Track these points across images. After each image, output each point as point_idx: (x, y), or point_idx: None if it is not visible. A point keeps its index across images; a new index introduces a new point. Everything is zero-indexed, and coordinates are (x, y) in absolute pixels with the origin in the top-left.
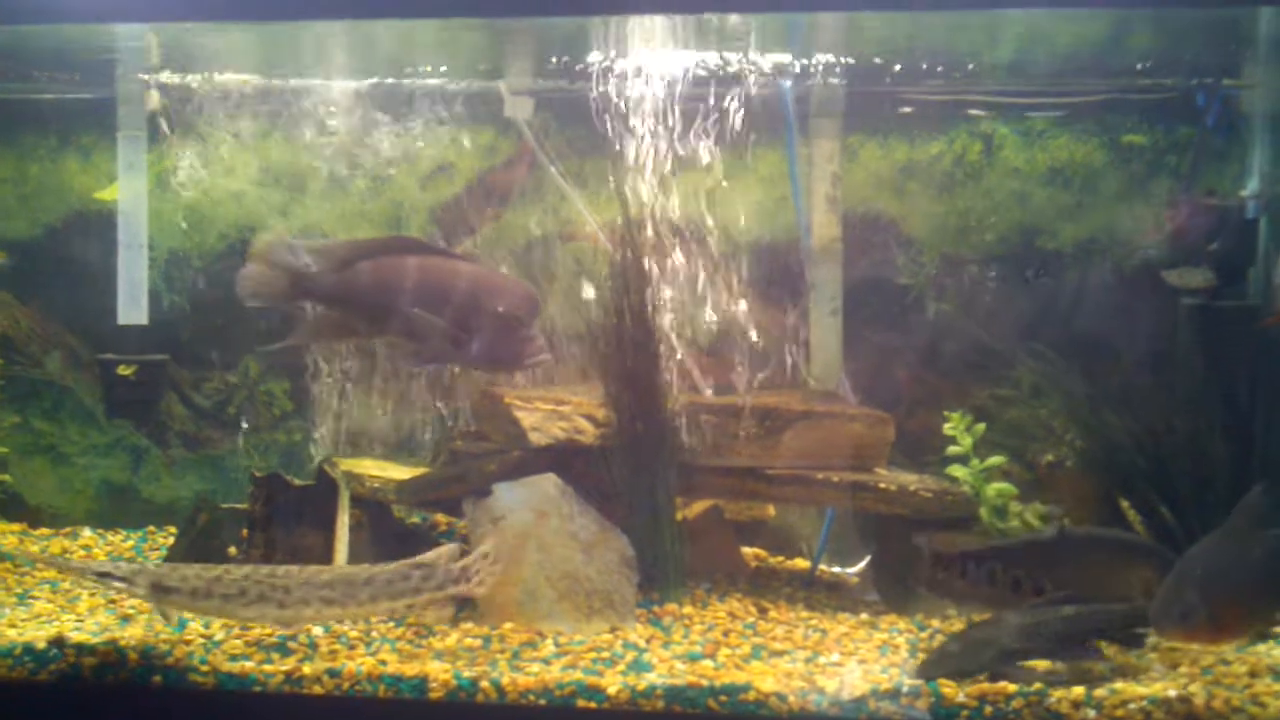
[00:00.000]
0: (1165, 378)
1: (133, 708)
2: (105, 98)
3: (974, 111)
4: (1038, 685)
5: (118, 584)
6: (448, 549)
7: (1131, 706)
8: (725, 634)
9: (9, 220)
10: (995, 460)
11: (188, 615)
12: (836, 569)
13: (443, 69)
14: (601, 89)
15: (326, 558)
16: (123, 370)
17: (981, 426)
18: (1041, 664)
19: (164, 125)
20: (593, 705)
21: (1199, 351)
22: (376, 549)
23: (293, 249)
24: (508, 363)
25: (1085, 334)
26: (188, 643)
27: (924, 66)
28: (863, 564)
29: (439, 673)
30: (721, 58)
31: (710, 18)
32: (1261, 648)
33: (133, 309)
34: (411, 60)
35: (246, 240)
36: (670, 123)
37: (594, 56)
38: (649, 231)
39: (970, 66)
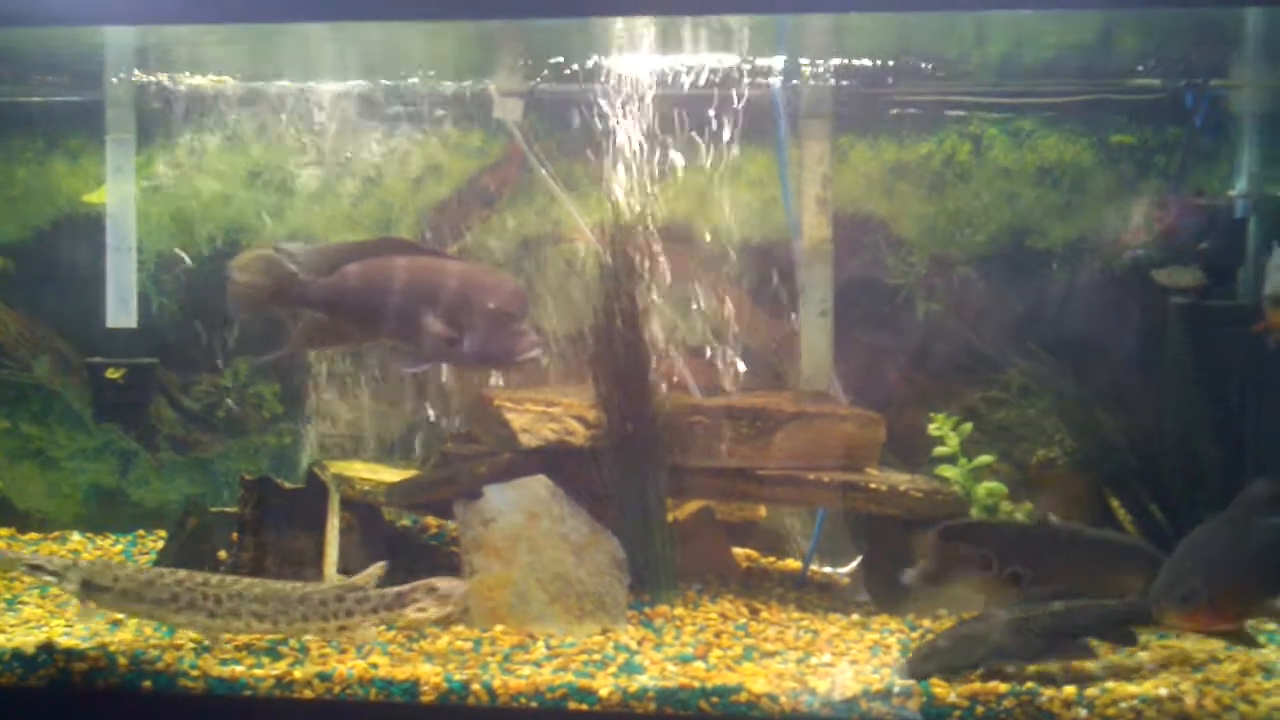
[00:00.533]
0: (1155, 377)
1: (123, 713)
2: (93, 100)
3: (963, 112)
4: (1029, 684)
5: (49, 578)
6: (374, 569)
7: (1123, 705)
8: (717, 635)
9: None
10: (984, 459)
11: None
12: (828, 569)
13: (431, 71)
14: (591, 90)
15: (317, 561)
16: (111, 374)
17: (968, 426)
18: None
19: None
20: (584, 708)
21: (1189, 351)
22: (367, 552)
23: (273, 260)
24: (500, 359)
25: (1075, 334)
26: (178, 647)
27: (913, 67)
28: (854, 564)
29: (430, 676)
30: (720, 62)
31: (700, 19)
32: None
33: (121, 312)
34: (401, 63)
35: (236, 243)
36: (660, 124)
37: (584, 58)
38: (638, 232)
39: (959, 67)
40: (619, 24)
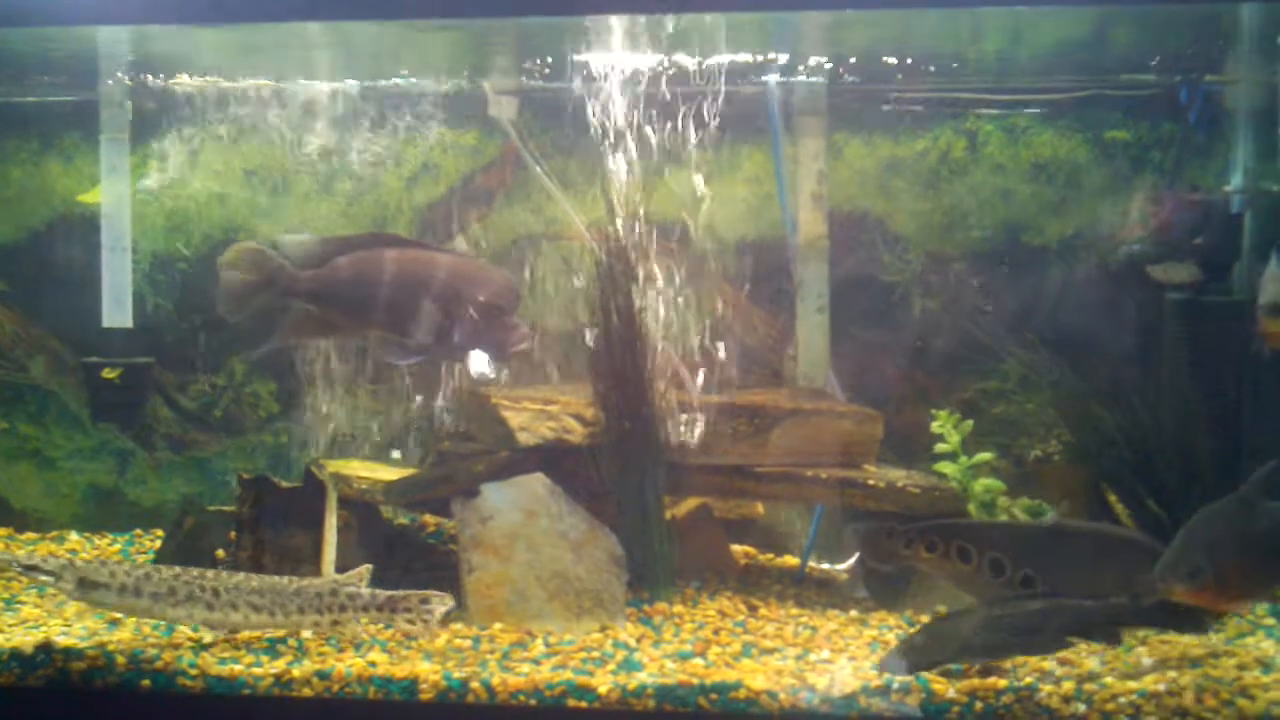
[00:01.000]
0: (1151, 372)
1: (122, 712)
2: (88, 101)
3: (958, 108)
4: (1028, 680)
5: (44, 578)
6: (362, 570)
7: (1121, 700)
8: (715, 632)
9: None
10: (983, 456)
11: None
12: (826, 566)
13: (427, 70)
14: (585, 88)
15: (315, 559)
16: (108, 373)
17: (969, 424)
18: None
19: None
20: (583, 705)
21: (1184, 345)
22: (364, 550)
23: (263, 254)
24: (492, 352)
25: (1071, 329)
26: (176, 646)
27: (909, 64)
28: (852, 561)
29: (429, 674)
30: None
31: (697, 15)
32: (1250, 640)
33: (117, 312)
34: (395, 61)
35: (231, 242)
36: (655, 122)
37: (577, 56)
38: (635, 230)
39: (954, 64)
40: (613, 21)
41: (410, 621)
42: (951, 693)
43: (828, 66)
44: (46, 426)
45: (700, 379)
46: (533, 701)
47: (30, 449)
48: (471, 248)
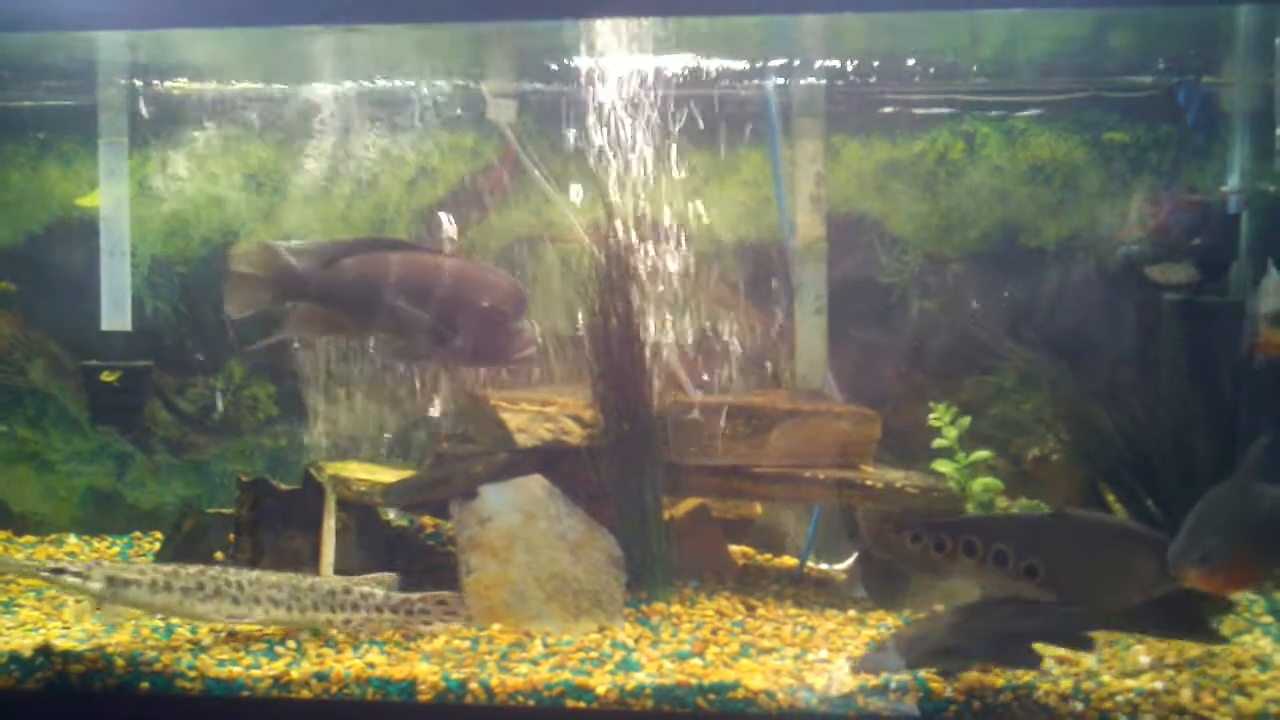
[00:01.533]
0: (1149, 372)
1: (121, 714)
2: (86, 104)
3: (956, 110)
4: (1027, 678)
5: (72, 580)
6: (386, 577)
7: (1119, 699)
8: (714, 632)
9: None
10: (980, 455)
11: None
12: (824, 566)
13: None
14: (584, 91)
15: (314, 561)
16: (106, 377)
17: (967, 420)
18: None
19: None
20: (582, 705)
21: (1182, 346)
22: (364, 552)
23: (272, 252)
24: (495, 357)
25: (1068, 330)
26: (175, 648)
27: (906, 66)
28: (850, 561)
29: (427, 675)
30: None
31: (695, 19)
32: (1248, 638)
33: (116, 315)
34: (394, 64)
35: (231, 243)
36: (654, 124)
37: (575, 59)
38: (633, 232)
39: (952, 66)
40: (609, 24)
41: (426, 623)
42: (949, 691)
43: (825, 68)
44: (45, 429)
45: (698, 380)
46: (531, 702)
47: (29, 452)
48: (472, 251)
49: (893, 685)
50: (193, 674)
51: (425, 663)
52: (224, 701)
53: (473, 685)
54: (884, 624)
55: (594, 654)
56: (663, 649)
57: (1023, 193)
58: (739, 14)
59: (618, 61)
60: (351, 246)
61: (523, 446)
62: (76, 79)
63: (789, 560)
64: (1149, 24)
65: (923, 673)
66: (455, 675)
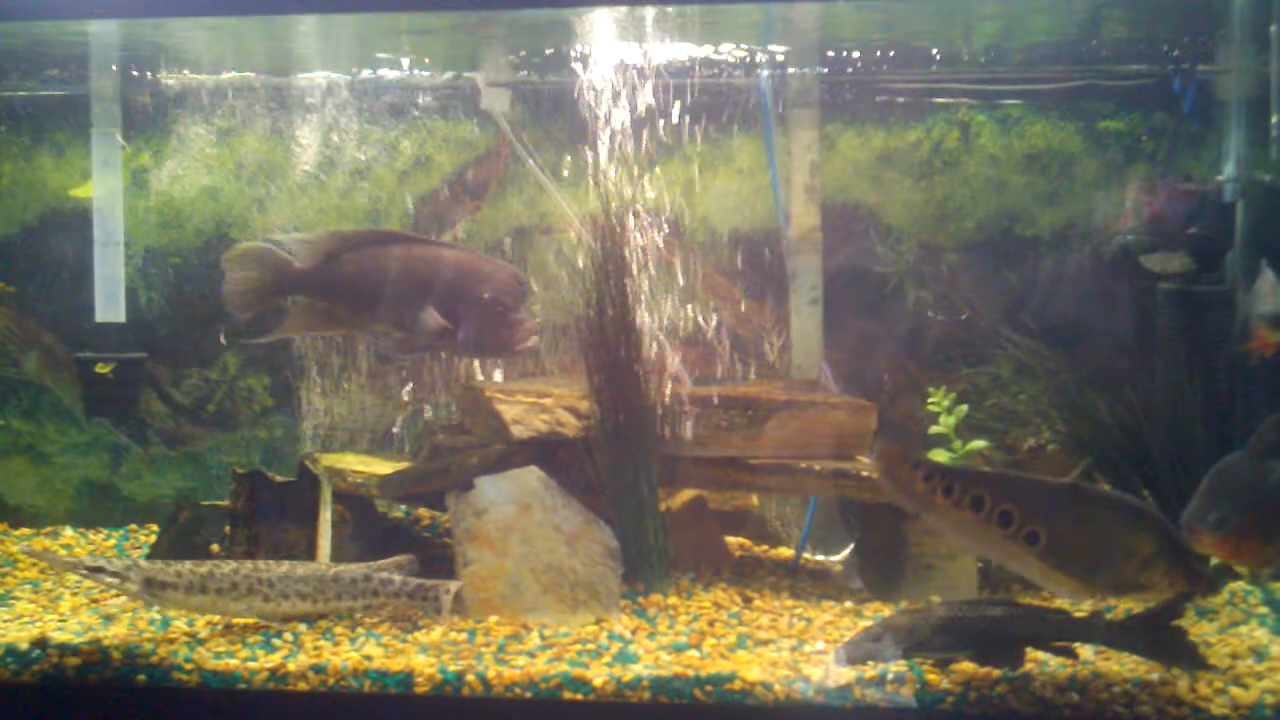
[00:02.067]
0: (1145, 361)
1: (117, 707)
2: (79, 94)
3: (950, 99)
4: (1022, 670)
5: (110, 580)
6: (400, 559)
7: (1116, 690)
8: (710, 624)
9: None
10: (976, 445)
11: (176, 613)
12: (820, 557)
13: (420, 61)
14: (578, 80)
15: (309, 554)
16: (101, 369)
17: (964, 408)
18: None
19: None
20: (579, 697)
21: (1178, 335)
22: (360, 544)
23: (267, 249)
24: (497, 348)
25: (1064, 319)
26: (171, 641)
27: (901, 55)
28: (846, 552)
29: (424, 667)
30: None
31: (688, 8)
32: (1244, 629)
33: (110, 307)
34: (388, 53)
35: (225, 236)
36: (647, 113)
37: (570, 48)
38: (629, 222)
39: (947, 54)
40: (604, 13)
41: (438, 610)
42: (946, 683)
43: (819, 57)
44: (40, 422)
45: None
46: (528, 694)
47: (24, 444)
48: (466, 242)
49: (889, 676)
50: (189, 666)
51: (422, 655)
52: (221, 694)
53: (470, 677)
54: (879, 615)
55: (591, 646)
56: (659, 641)
57: (1018, 182)
58: (728, 2)
59: (611, 50)
60: (350, 239)
61: (518, 438)
62: (69, 69)
63: (785, 551)
64: (1144, 12)
65: (919, 664)
66: (452, 667)
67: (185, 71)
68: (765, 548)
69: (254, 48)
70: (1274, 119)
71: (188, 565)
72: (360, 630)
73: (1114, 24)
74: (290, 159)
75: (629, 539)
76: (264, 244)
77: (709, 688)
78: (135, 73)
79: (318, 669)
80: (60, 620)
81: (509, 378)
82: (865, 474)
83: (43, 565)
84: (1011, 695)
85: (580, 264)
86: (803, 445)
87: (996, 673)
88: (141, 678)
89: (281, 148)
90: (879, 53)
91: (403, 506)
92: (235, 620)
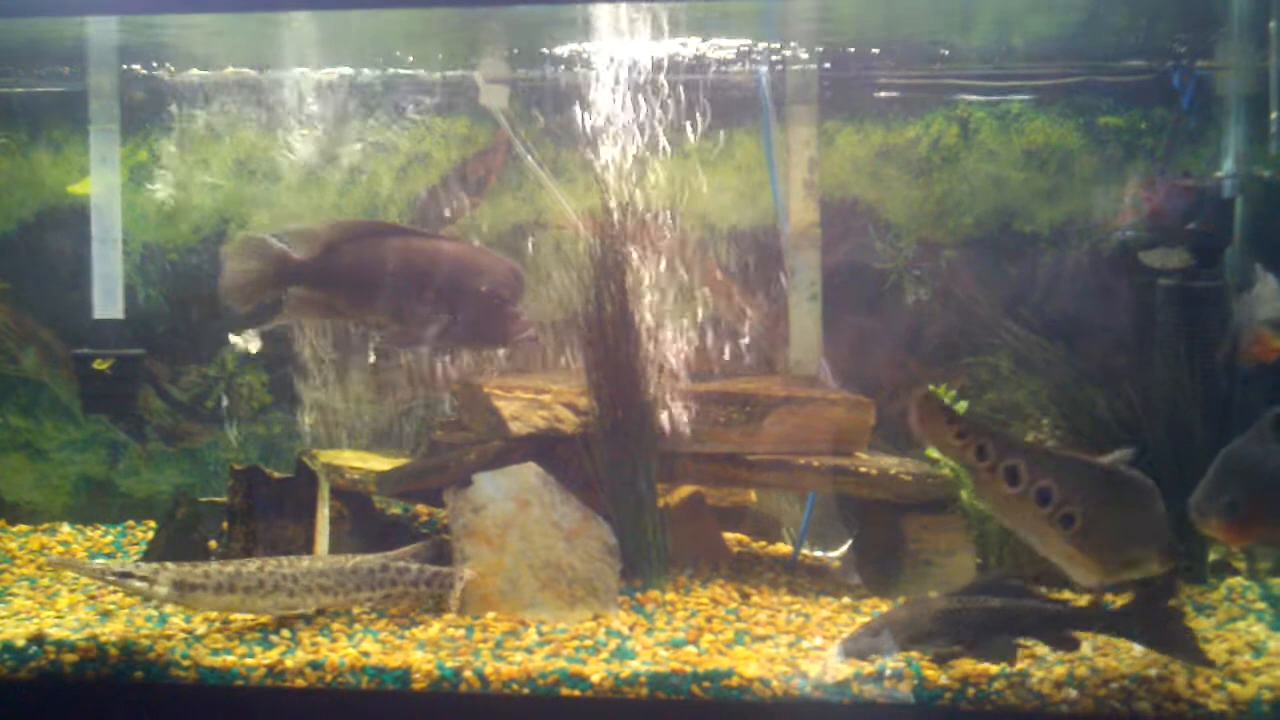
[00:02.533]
0: (1144, 357)
1: (114, 704)
2: (76, 91)
3: (950, 95)
4: (1020, 666)
5: (138, 584)
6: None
7: (1113, 686)
8: (708, 620)
9: None
10: None
11: (212, 613)
12: (819, 553)
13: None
14: (576, 76)
15: (307, 550)
16: (98, 365)
17: (964, 405)
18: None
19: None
20: (576, 693)
21: (1177, 331)
22: (358, 541)
23: (266, 241)
24: (494, 341)
25: (1064, 316)
26: (169, 638)
27: (900, 51)
28: (845, 548)
29: (422, 663)
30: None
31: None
32: (1241, 624)
33: (108, 303)
34: (386, 50)
35: (223, 233)
36: (647, 109)
37: (567, 44)
38: (628, 218)
39: (945, 51)
40: (604, 9)
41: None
42: (944, 679)
43: (818, 53)
44: (38, 418)
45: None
46: (525, 690)
47: (21, 441)
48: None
49: (887, 672)
50: (187, 663)
51: (420, 651)
52: (218, 691)
53: (467, 673)
54: (877, 611)
55: (589, 642)
56: (657, 637)
57: (1017, 178)
58: None
59: (609, 46)
60: (349, 230)
61: (517, 434)
62: (66, 65)
63: (783, 547)
64: (1143, 8)
65: (918, 660)
66: (450, 663)
67: (183, 66)
68: (763, 543)
69: (254, 44)
70: (1273, 115)
71: (214, 566)
72: (358, 626)
73: (1114, 21)
74: (289, 156)
75: (627, 535)
76: (262, 235)
77: (706, 684)
78: (133, 68)
79: (315, 665)
80: (57, 617)
81: (506, 373)
82: (864, 470)
83: (40, 561)
84: (1009, 691)
85: (579, 260)
86: (801, 441)
87: (994, 669)
88: (139, 674)
89: (281, 144)
90: (878, 48)
91: (401, 503)
92: (246, 619)
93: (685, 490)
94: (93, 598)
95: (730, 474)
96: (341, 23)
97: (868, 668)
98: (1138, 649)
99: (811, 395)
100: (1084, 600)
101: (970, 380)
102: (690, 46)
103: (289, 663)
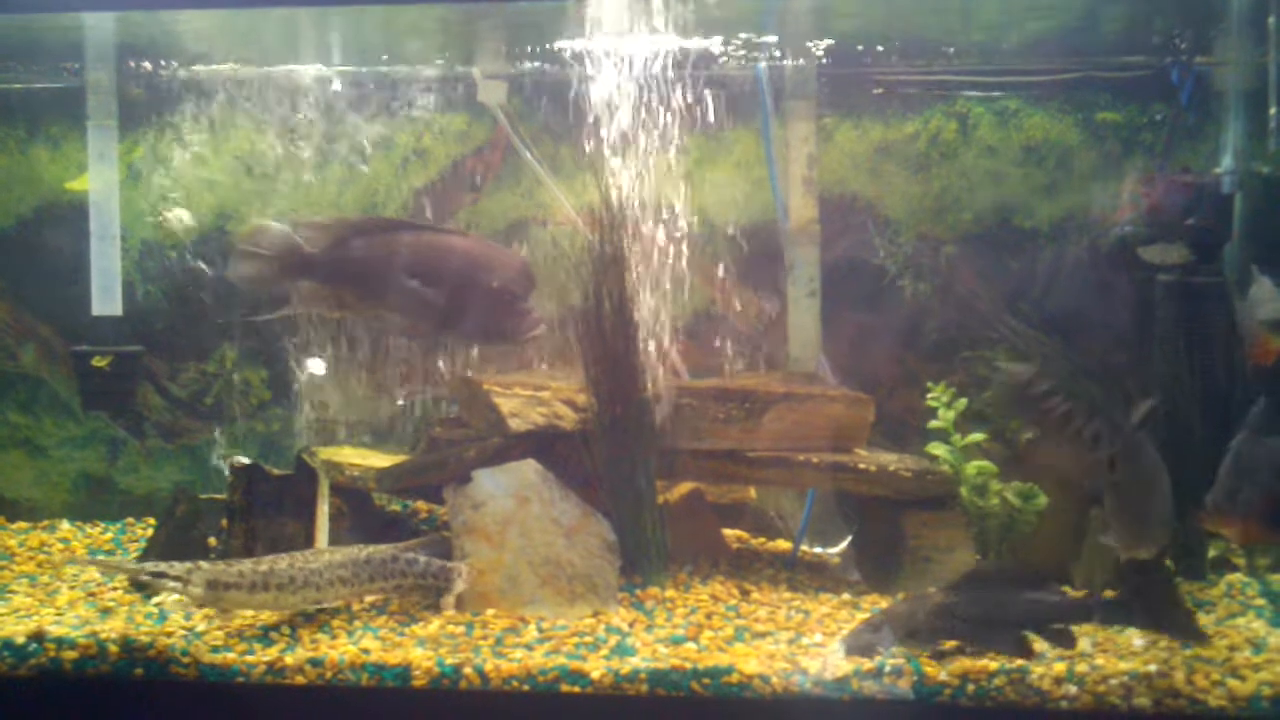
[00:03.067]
0: (1143, 353)
1: (114, 701)
2: (74, 87)
3: (948, 91)
4: (1019, 662)
5: (173, 584)
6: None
7: (1113, 682)
8: (708, 616)
9: None
10: (974, 437)
11: (248, 612)
12: (818, 550)
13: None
14: (575, 73)
15: (307, 547)
16: (97, 362)
17: (964, 402)
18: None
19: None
20: (576, 690)
21: (1176, 327)
22: (357, 537)
23: (279, 230)
24: (503, 337)
25: (1063, 312)
26: (169, 635)
27: (899, 46)
28: (844, 544)
29: (422, 660)
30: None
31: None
32: (1241, 621)
33: (106, 300)
34: (385, 46)
35: (225, 230)
36: (646, 106)
37: (566, 40)
38: (626, 215)
39: (945, 46)
40: (603, 5)
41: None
42: (943, 675)
43: (817, 49)
44: (37, 415)
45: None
46: (526, 687)
47: (21, 437)
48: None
49: (886, 669)
50: (186, 660)
51: (420, 648)
52: (218, 688)
53: (467, 670)
54: (877, 608)
55: (588, 639)
56: (657, 633)
57: (1016, 174)
58: None
59: (608, 42)
60: (361, 225)
61: (516, 431)
62: (64, 60)
63: (783, 544)
64: (1142, 4)
65: (917, 656)
66: (450, 660)
67: (182, 63)
68: (762, 540)
69: (253, 40)
70: (1272, 111)
71: (247, 564)
72: (358, 624)
73: (1113, 16)
74: (291, 151)
75: (627, 532)
76: (274, 225)
77: (706, 680)
78: (131, 64)
79: (315, 662)
80: (57, 614)
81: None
82: (863, 466)
83: (40, 559)
84: (1009, 687)
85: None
86: (800, 437)
87: (994, 665)
88: (139, 671)
89: (282, 140)
90: (877, 44)
91: (400, 499)
92: (246, 617)
93: (685, 487)
94: (92, 595)
95: (729, 470)
96: (342, 19)
97: (868, 664)
98: (1137, 644)
99: (811, 392)
100: (1080, 593)
101: (968, 378)
102: (689, 42)
103: (289, 660)
